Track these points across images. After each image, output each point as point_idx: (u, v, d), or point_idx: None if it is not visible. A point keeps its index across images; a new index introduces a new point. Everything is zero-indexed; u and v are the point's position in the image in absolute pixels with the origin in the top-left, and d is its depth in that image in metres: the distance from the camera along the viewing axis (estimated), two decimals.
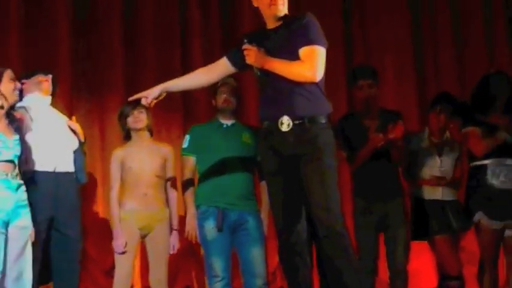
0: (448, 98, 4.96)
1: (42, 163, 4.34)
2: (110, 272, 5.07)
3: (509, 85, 4.69)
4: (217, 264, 4.16)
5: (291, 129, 3.49)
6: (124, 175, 4.67)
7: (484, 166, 4.60)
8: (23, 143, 4.16)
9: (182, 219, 4.60)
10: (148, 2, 5.98)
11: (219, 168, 4.23)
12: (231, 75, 3.95)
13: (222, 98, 4.38)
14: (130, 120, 4.69)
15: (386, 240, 4.68)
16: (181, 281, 5.60)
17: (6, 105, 4.08)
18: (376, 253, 4.66)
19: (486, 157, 4.59)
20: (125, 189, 4.68)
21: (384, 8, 6.55)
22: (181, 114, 5.86)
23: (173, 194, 4.74)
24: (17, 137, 4.08)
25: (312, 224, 3.56)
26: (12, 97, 4.15)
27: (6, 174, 3.99)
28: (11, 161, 4.02)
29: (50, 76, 4.56)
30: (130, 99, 3.79)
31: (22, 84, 4.36)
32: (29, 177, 4.21)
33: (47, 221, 4.33)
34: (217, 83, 4.06)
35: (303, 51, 3.49)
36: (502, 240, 4.65)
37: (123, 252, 4.56)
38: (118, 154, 4.71)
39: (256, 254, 4.24)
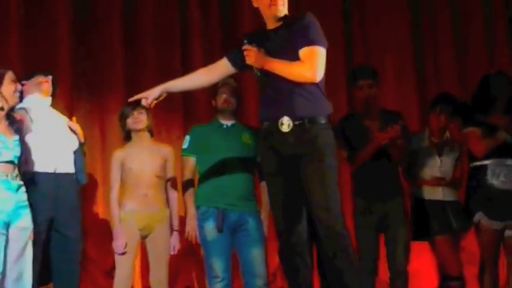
0: (448, 98, 4.96)
1: (42, 164, 4.34)
2: (110, 272, 5.07)
3: (509, 85, 4.69)
4: (218, 265, 4.16)
5: (291, 129, 3.49)
6: (124, 176, 4.67)
7: (484, 166, 4.60)
8: (23, 144, 4.15)
9: (182, 220, 4.60)
10: (148, 2, 5.98)
11: (219, 169, 4.23)
12: (231, 76, 3.94)
13: (222, 98, 4.38)
14: (130, 121, 4.69)
15: (386, 241, 4.68)
16: (181, 282, 5.60)
17: (6, 107, 4.09)
18: (376, 253, 4.66)
19: (486, 157, 4.59)
20: (125, 190, 4.68)
21: (384, 8, 6.56)
22: (181, 114, 5.86)
23: (173, 195, 4.74)
24: (17, 138, 4.08)
25: (312, 225, 3.56)
26: (13, 99, 4.15)
27: (6, 175, 3.99)
28: (11, 162, 4.02)
29: (50, 77, 4.56)
30: (131, 100, 3.79)
31: (22, 85, 4.36)
32: (29, 178, 4.21)
33: (47, 221, 4.33)
34: (217, 83, 4.06)
35: (303, 51, 3.49)
36: (502, 241, 4.65)
37: (123, 253, 4.56)
38: (118, 155, 4.71)
39: (256, 254, 4.24)
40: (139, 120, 4.67)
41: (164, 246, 4.64)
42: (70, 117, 4.70)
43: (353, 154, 4.66)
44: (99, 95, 5.74)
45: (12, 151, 4.02)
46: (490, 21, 6.74)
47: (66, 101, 5.42)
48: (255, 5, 3.66)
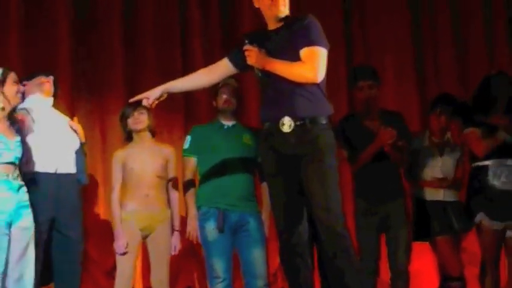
0: (448, 98, 4.96)
1: (43, 164, 4.34)
2: (111, 273, 5.07)
3: (510, 86, 4.70)
4: (219, 265, 4.16)
5: (292, 130, 3.48)
6: (125, 176, 4.68)
7: (485, 167, 4.61)
8: (24, 145, 4.16)
9: (184, 220, 4.60)
10: (149, 2, 5.98)
11: (220, 169, 4.23)
12: (232, 76, 3.94)
13: (222, 98, 4.37)
14: (130, 122, 4.69)
15: (387, 241, 4.68)
16: (182, 282, 5.60)
17: (8, 108, 4.09)
18: (377, 254, 4.66)
19: (487, 158, 4.60)
20: (126, 190, 4.68)
21: (384, 8, 6.55)
22: (182, 115, 5.86)
23: (175, 195, 4.74)
24: (18, 138, 4.08)
25: (313, 225, 3.55)
26: (15, 100, 4.15)
27: (7, 176, 3.99)
28: (12, 163, 4.02)
29: (51, 77, 4.56)
30: (131, 100, 3.79)
31: (23, 85, 4.36)
32: (31, 178, 4.21)
33: (48, 222, 4.34)
34: (218, 83, 4.05)
35: (304, 52, 3.49)
36: (503, 241, 4.66)
37: (125, 253, 4.56)
38: (119, 155, 4.71)
39: (257, 255, 4.24)
40: (139, 120, 4.66)
41: (165, 247, 4.64)
42: (71, 118, 4.70)
43: (353, 154, 4.66)
44: (99, 95, 5.73)
45: (14, 152, 4.02)
46: (490, 21, 6.74)
47: (67, 101, 5.41)
48: (256, 5, 3.66)
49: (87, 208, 5.25)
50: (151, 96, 3.69)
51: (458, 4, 6.75)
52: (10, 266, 3.95)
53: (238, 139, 4.32)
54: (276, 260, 5.24)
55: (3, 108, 4.06)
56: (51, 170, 4.37)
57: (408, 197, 4.84)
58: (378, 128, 4.60)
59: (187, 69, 5.01)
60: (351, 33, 6.54)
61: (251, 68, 3.64)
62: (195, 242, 4.46)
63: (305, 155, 3.49)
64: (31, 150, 4.28)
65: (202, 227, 4.26)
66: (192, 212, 4.37)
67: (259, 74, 3.61)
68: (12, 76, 4.15)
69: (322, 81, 3.54)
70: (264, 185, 4.22)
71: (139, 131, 4.69)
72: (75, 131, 4.57)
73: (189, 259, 5.53)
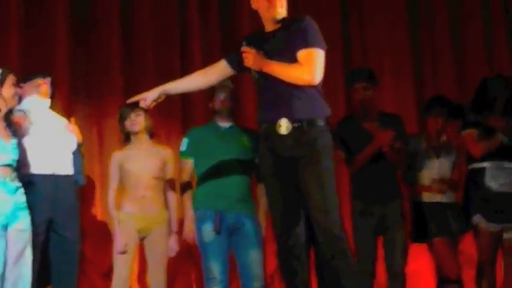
0: (443, 101, 4.97)
1: (41, 166, 4.34)
2: (108, 274, 5.06)
3: (507, 88, 4.70)
4: (215, 267, 4.15)
5: (290, 132, 3.48)
6: (123, 178, 4.68)
7: (482, 169, 4.63)
8: (21, 146, 4.16)
9: (181, 222, 4.59)
10: (147, 4, 5.97)
11: (217, 171, 4.22)
12: (229, 78, 3.94)
13: (219, 100, 4.36)
14: (127, 123, 4.69)
15: (384, 243, 4.68)
16: (179, 284, 5.59)
17: (5, 109, 4.09)
18: (374, 256, 4.66)
19: (484, 160, 4.61)
20: (123, 191, 4.69)
21: (382, 9, 6.56)
22: (179, 117, 5.85)
23: (172, 197, 4.74)
24: (14, 140, 4.08)
25: (311, 227, 3.55)
26: (12, 102, 4.16)
27: (4, 178, 3.99)
28: (9, 165, 4.02)
29: (49, 79, 4.57)
30: (129, 101, 3.79)
31: (20, 87, 4.36)
32: (28, 180, 4.21)
33: (46, 223, 4.34)
34: (214, 85, 4.05)
35: (301, 54, 3.49)
36: (500, 243, 4.66)
37: (124, 252, 4.55)
38: (117, 156, 4.72)
39: (253, 256, 4.23)
40: (136, 122, 4.66)
41: (163, 249, 4.64)
42: (68, 119, 4.70)
43: (351, 156, 4.66)
44: (97, 97, 5.72)
45: (10, 154, 4.02)
46: (488, 22, 6.75)
47: (64, 103, 5.40)
48: (254, 7, 3.66)
49: (84, 209, 5.24)
50: (148, 97, 3.70)
51: (456, 6, 6.76)
52: (8, 268, 3.95)
53: (235, 141, 4.31)
54: (273, 262, 5.24)
55: (0, 110, 4.06)
56: (48, 172, 4.37)
57: (405, 199, 4.84)
58: (375, 130, 4.60)
59: (185, 71, 4.99)
60: (348, 34, 6.55)
61: (248, 69, 3.64)
62: (191, 244, 4.47)
63: (302, 157, 3.49)
64: (28, 152, 4.27)
65: (199, 229, 4.25)
66: (189, 213, 4.36)
67: (257, 76, 3.60)
68: (11, 78, 4.15)
69: (320, 82, 3.54)
70: (261, 187, 4.22)
71: (136, 133, 4.69)
72: (72, 133, 4.57)
73: (186, 261, 5.51)
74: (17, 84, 4.24)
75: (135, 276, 5.31)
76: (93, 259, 5.43)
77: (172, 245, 4.67)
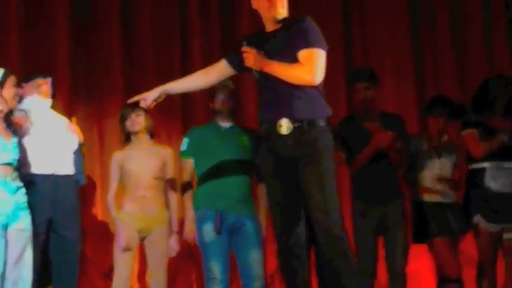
0: (444, 101, 4.96)
1: (41, 166, 4.34)
2: (108, 274, 5.06)
3: (508, 88, 4.70)
4: (216, 267, 4.15)
5: (290, 132, 3.48)
6: (123, 178, 4.69)
7: (483, 169, 4.63)
8: (21, 146, 4.16)
9: (182, 222, 4.59)
10: (148, 3, 5.96)
11: (217, 171, 4.22)
12: (229, 78, 3.94)
13: (219, 100, 4.36)
14: (128, 123, 4.69)
15: (385, 243, 4.67)
16: (180, 284, 5.59)
17: (5, 110, 4.09)
18: (375, 256, 4.65)
19: (485, 160, 4.61)
20: (124, 191, 4.70)
21: (383, 9, 6.55)
22: (180, 117, 5.85)
23: (173, 197, 4.74)
24: (15, 140, 4.08)
25: (311, 227, 3.55)
26: (12, 103, 4.16)
27: (5, 177, 3.99)
28: (10, 164, 4.03)
29: (50, 79, 4.57)
30: (130, 101, 3.80)
31: (21, 87, 4.36)
32: (28, 179, 4.21)
33: (46, 223, 4.35)
34: (215, 85, 4.05)
35: (302, 54, 3.49)
36: (500, 243, 4.66)
37: (127, 249, 4.55)
38: (117, 156, 4.72)
39: (254, 256, 4.23)
40: (136, 122, 4.67)
41: (163, 249, 4.64)
42: (69, 119, 4.70)
43: (352, 156, 4.66)
44: (97, 97, 5.71)
45: (11, 153, 4.02)
46: (489, 23, 6.75)
47: (65, 103, 5.40)
48: (255, 7, 3.66)
49: (85, 210, 5.24)
50: (149, 97, 3.70)
51: (457, 6, 6.76)
52: (8, 268, 3.95)
53: (235, 141, 4.31)
54: (274, 262, 5.24)
55: (1, 111, 4.07)
56: (49, 172, 4.37)
57: (406, 199, 4.83)
58: (375, 130, 4.60)
59: (186, 71, 5.00)
60: (349, 34, 6.54)
61: (249, 69, 3.64)
62: (192, 244, 4.47)
63: (303, 157, 3.49)
64: (29, 152, 4.28)
65: (199, 229, 4.24)
66: (189, 213, 4.36)
67: (257, 76, 3.60)
68: (12, 79, 4.16)
69: (321, 83, 3.54)
70: (262, 187, 4.22)
71: (137, 133, 4.69)
72: (73, 133, 4.58)
73: (187, 261, 5.51)
74: (18, 85, 4.24)
75: (135, 276, 5.31)
76: (94, 259, 5.43)
77: (173, 245, 4.67)
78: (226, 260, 4.21)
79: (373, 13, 6.56)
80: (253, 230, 4.25)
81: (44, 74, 4.58)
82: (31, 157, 4.30)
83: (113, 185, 4.72)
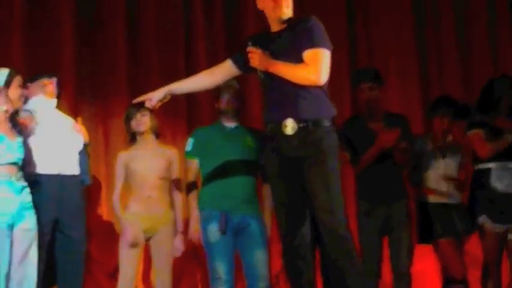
0: (449, 101, 4.96)
1: (47, 166, 4.35)
2: (113, 274, 5.06)
3: None
4: (221, 267, 4.15)
5: (295, 132, 3.48)
6: (128, 178, 4.70)
7: (488, 169, 4.63)
8: (27, 146, 4.17)
9: (187, 222, 4.59)
10: (153, 4, 5.97)
11: (222, 171, 4.22)
12: (235, 78, 3.94)
13: (224, 100, 4.36)
14: (133, 124, 4.70)
15: (390, 243, 4.67)
16: (185, 284, 5.59)
17: (11, 110, 4.10)
18: (379, 256, 4.65)
19: (490, 160, 4.61)
20: (129, 191, 4.71)
21: (388, 9, 6.55)
22: (185, 117, 5.85)
23: (178, 197, 4.74)
24: (20, 139, 4.09)
25: (316, 227, 3.55)
26: (18, 103, 4.17)
27: (10, 177, 4.00)
28: (15, 164, 4.04)
29: (55, 79, 4.57)
30: (135, 101, 3.80)
31: (26, 88, 4.37)
32: (34, 179, 4.21)
33: (52, 223, 4.35)
34: (220, 85, 4.05)
35: (307, 54, 3.48)
36: (505, 244, 4.66)
37: (134, 244, 4.55)
38: (123, 156, 4.73)
39: (259, 257, 4.23)
40: (142, 122, 4.67)
41: (168, 249, 4.64)
42: (75, 119, 4.70)
43: (356, 157, 4.66)
44: (102, 97, 5.71)
45: (16, 153, 4.03)
46: (494, 23, 6.74)
47: (70, 103, 5.40)
48: (260, 7, 3.66)
49: (90, 210, 5.25)
50: (154, 97, 3.71)
51: (462, 6, 6.75)
52: (13, 267, 3.96)
53: (240, 141, 4.31)
54: (279, 262, 5.24)
55: (7, 111, 4.08)
56: (54, 172, 4.37)
57: (411, 199, 4.83)
58: (380, 130, 4.60)
59: (191, 71, 5.00)
60: (354, 34, 6.54)
61: (254, 69, 3.64)
62: (197, 244, 4.47)
63: (308, 157, 3.49)
64: (34, 152, 4.28)
65: (204, 229, 4.25)
66: (195, 214, 4.36)
67: (262, 76, 3.61)
68: (18, 79, 4.17)
69: (326, 83, 3.54)
70: (267, 187, 4.22)
71: (142, 133, 4.70)
72: (79, 133, 4.58)
73: (192, 261, 5.52)
74: (23, 85, 4.25)
75: (140, 276, 5.31)
76: (99, 259, 5.44)
77: (178, 245, 4.67)
78: (231, 260, 4.21)
79: (378, 13, 6.55)
80: (258, 230, 4.26)
81: (49, 74, 4.58)
82: (37, 157, 4.31)
83: (118, 185, 4.73)
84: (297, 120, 3.48)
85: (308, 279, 3.65)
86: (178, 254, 4.71)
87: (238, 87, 4.38)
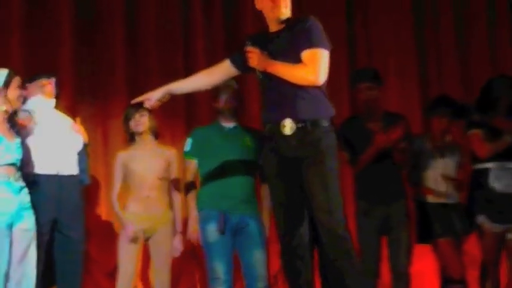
0: (447, 101, 4.96)
1: (45, 166, 4.35)
2: (112, 274, 5.06)
3: (511, 88, 4.70)
4: (219, 267, 4.15)
5: (294, 132, 3.48)
6: (127, 178, 4.70)
7: (487, 169, 4.62)
8: (25, 146, 4.17)
9: (186, 222, 4.59)
10: (151, 4, 5.97)
11: (221, 171, 4.22)
12: (233, 78, 3.95)
13: (223, 100, 4.36)
14: (132, 124, 4.70)
15: (389, 243, 4.67)
16: (184, 284, 5.60)
17: (9, 110, 4.10)
18: (378, 256, 4.65)
19: (489, 160, 4.61)
20: (128, 192, 4.71)
21: (387, 9, 6.56)
22: (183, 117, 5.85)
23: (177, 197, 4.74)
24: (18, 140, 4.09)
25: (314, 228, 3.55)
26: (16, 104, 4.17)
27: (9, 177, 4.00)
28: (13, 164, 4.04)
29: (53, 79, 4.58)
30: (134, 101, 3.80)
31: (25, 89, 4.37)
32: (32, 179, 4.21)
33: (50, 223, 4.35)
34: (219, 85, 4.05)
35: (305, 54, 3.49)
36: (503, 244, 4.66)
37: (134, 239, 4.54)
38: (121, 156, 4.74)
39: (257, 257, 4.23)
40: (140, 122, 4.68)
41: (167, 249, 4.65)
42: (73, 119, 4.70)
43: (355, 157, 4.66)
44: (101, 97, 5.72)
45: (14, 154, 4.03)
46: (493, 23, 6.75)
47: (69, 104, 5.39)
48: (258, 7, 3.67)
49: (89, 210, 5.24)
50: (153, 97, 3.71)
51: (461, 6, 6.76)
52: (12, 267, 3.96)
53: (238, 141, 4.31)
54: (277, 262, 5.23)
55: (6, 111, 4.08)
56: (53, 172, 4.38)
57: (410, 199, 4.83)
58: (381, 130, 4.60)
59: (189, 71, 4.99)
60: (353, 34, 6.54)
61: (253, 69, 3.64)
62: (196, 244, 4.47)
63: (306, 157, 3.49)
64: (33, 152, 4.28)
65: (203, 229, 4.25)
66: (193, 214, 4.37)
67: (261, 76, 3.61)
68: (16, 80, 4.17)
69: (324, 83, 3.54)
70: (265, 187, 4.22)
71: (141, 133, 4.70)
72: (77, 133, 4.58)
73: (190, 261, 5.52)
74: (23, 86, 4.25)
75: (139, 276, 5.31)
76: (98, 259, 5.44)
77: (177, 245, 4.68)
78: (230, 260, 4.21)
79: (377, 13, 6.56)
80: (257, 230, 4.26)
81: (48, 74, 4.58)
82: (35, 157, 4.31)
83: (116, 184, 4.73)
84: (296, 120, 3.48)
85: (306, 279, 3.66)
86: (177, 254, 4.71)
87: (237, 87, 4.38)
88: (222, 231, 4.18)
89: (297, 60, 3.49)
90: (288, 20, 3.60)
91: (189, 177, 4.43)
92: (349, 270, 3.46)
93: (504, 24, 6.74)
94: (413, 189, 4.92)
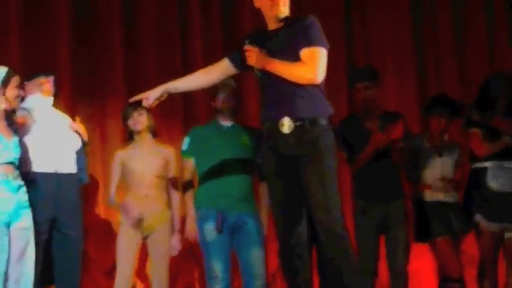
0: (445, 101, 4.96)
1: (43, 164, 4.35)
2: (111, 273, 5.07)
3: (509, 87, 4.70)
4: (217, 266, 4.15)
5: (292, 130, 3.48)
6: (126, 176, 4.71)
7: (484, 168, 4.62)
8: (23, 145, 4.17)
9: (184, 221, 4.59)
10: (149, 3, 5.96)
11: (219, 170, 4.22)
12: (231, 76, 3.95)
13: (221, 99, 4.36)
14: (130, 123, 4.71)
15: (386, 242, 4.68)
16: (182, 282, 5.60)
17: (8, 109, 4.10)
18: (376, 254, 4.66)
19: (487, 159, 4.61)
20: (126, 190, 4.71)
21: (385, 8, 6.55)
22: (181, 116, 5.84)
23: (175, 195, 4.75)
24: (16, 138, 4.09)
25: (313, 226, 3.56)
26: (14, 103, 4.17)
27: (7, 176, 3.99)
28: (12, 163, 4.03)
29: (52, 77, 4.58)
30: (131, 100, 3.81)
31: (24, 88, 4.36)
32: (30, 178, 4.21)
33: (49, 222, 4.35)
34: (217, 84, 4.05)
35: (304, 52, 3.49)
36: (501, 243, 4.66)
37: (139, 220, 4.53)
38: (120, 155, 4.75)
39: (255, 255, 4.23)
40: (139, 121, 4.69)
41: (165, 247, 4.66)
42: (72, 118, 4.70)
43: (353, 156, 4.66)
44: (99, 97, 5.71)
45: (13, 152, 4.03)
46: (491, 22, 6.74)
47: (67, 103, 5.38)
48: (257, 5, 3.67)
49: (87, 209, 5.23)
50: (151, 96, 3.72)
51: (459, 5, 6.74)
52: (10, 266, 3.96)
53: (236, 140, 4.31)
54: (275, 261, 5.24)
55: (5, 110, 4.08)
56: (51, 170, 4.38)
57: (408, 198, 4.83)
58: (378, 129, 4.60)
59: (187, 70, 4.98)
60: (351, 33, 6.54)
61: (251, 68, 3.64)
62: (194, 243, 4.48)
63: (304, 156, 3.50)
64: (31, 150, 4.28)
65: (201, 228, 4.25)
66: (191, 212, 4.37)
67: (259, 75, 3.61)
68: (15, 79, 4.16)
69: (322, 81, 3.54)
70: (263, 185, 4.22)
71: (139, 132, 4.71)
72: (76, 131, 4.58)
73: (188, 259, 5.52)
74: (21, 85, 4.25)
75: (137, 275, 5.31)
76: (96, 258, 5.44)
77: (175, 244, 4.69)
78: (228, 258, 4.22)
79: (375, 12, 6.55)
80: (255, 229, 4.26)
81: (46, 73, 4.58)
82: (33, 155, 4.31)
83: (113, 182, 4.75)
84: (294, 118, 3.49)
85: (304, 277, 3.66)
86: (175, 252, 4.72)
87: (235, 85, 4.37)
88: (219, 230, 4.18)
89: (296, 58, 3.50)
90: (286, 18, 3.60)
91: (187, 176, 4.43)
92: (347, 268, 3.47)
93: (502, 23, 6.74)
94: (412, 187, 4.92)
